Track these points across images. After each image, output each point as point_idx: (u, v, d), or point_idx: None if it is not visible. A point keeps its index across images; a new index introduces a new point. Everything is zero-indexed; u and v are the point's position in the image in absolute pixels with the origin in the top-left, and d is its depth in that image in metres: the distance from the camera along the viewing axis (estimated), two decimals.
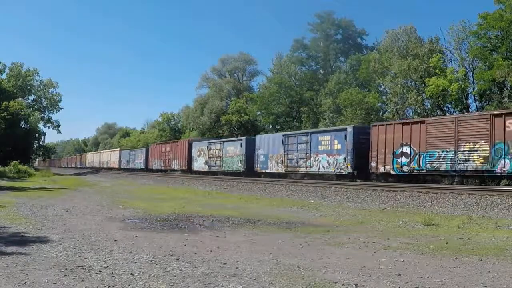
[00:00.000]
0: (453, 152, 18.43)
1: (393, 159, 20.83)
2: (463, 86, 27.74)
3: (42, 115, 57.20)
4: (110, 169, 62.40)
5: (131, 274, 5.18)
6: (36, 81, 56.08)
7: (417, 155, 19.85)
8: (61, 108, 58.35)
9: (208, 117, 53.20)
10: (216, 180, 28.62)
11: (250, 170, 30.74)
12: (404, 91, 30.19)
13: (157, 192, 22.32)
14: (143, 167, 50.43)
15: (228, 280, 5.00)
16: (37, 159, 71.23)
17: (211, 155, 35.75)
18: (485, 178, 18.19)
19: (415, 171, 20.04)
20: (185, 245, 7.25)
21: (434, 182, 19.61)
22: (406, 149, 20.29)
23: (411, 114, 30.44)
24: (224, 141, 35.57)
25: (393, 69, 30.99)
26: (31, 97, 57.10)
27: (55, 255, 6.17)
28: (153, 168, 46.74)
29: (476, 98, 28.85)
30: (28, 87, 55.13)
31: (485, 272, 5.55)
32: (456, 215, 12.37)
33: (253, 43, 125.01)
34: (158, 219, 10.86)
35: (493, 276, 5.33)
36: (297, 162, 26.35)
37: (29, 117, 50.75)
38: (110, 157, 65.87)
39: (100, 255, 6.21)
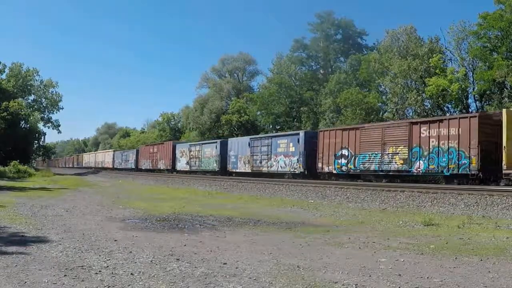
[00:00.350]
0: (380, 155, 21.28)
1: (334, 160, 23.69)
2: (463, 86, 27.74)
3: (42, 115, 57.24)
4: (105, 169, 64.76)
5: (131, 274, 5.18)
6: (36, 81, 56.18)
7: (353, 157, 22.62)
8: (61, 108, 58.46)
9: (208, 117, 53.22)
10: (216, 180, 28.66)
11: (223, 170, 33.64)
12: (404, 91, 30.19)
13: (157, 192, 22.33)
14: (134, 167, 53.40)
15: (228, 280, 5.00)
16: (36, 159, 71.31)
17: (192, 156, 38.97)
18: (403, 177, 20.81)
19: (351, 170, 22.73)
20: (185, 245, 7.25)
21: (367, 181, 21.88)
22: (345, 152, 23.08)
23: (411, 114, 30.45)
24: (202, 143, 38.79)
25: (393, 69, 30.99)
26: (31, 97, 57.21)
27: (55, 255, 6.17)
28: (143, 168, 49.64)
29: (476, 98, 28.86)
30: (28, 87, 55.14)
31: (485, 272, 5.55)
32: (456, 215, 12.37)
33: (253, 43, 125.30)
34: (158, 219, 10.86)
35: (493, 276, 5.33)
36: (261, 162, 29.50)
37: (29, 117, 50.75)
38: (104, 157, 68.85)
39: (100, 255, 6.21)
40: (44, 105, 57.61)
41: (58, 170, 69.67)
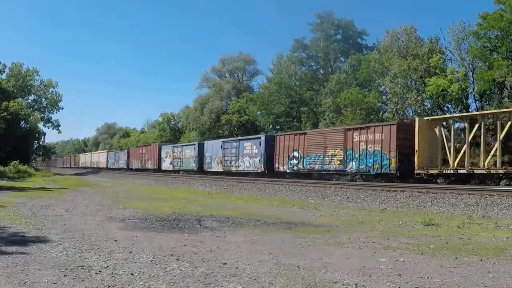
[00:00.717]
0: (322, 156, 24.52)
1: (288, 161, 27.06)
2: (463, 86, 27.72)
3: (42, 115, 57.20)
4: (100, 168, 68.21)
5: (131, 274, 5.18)
6: (36, 81, 56.11)
7: (302, 158, 25.91)
8: (61, 108, 58.38)
9: (208, 117, 53.21)
10: (216, 180, 28.70)
11: (200, 169, 37.24)
12: (404, 91, 30.17)
13: (157, 192, 22.33)
14: (125, 167, 56.75)
15: (228, 280, 5.00)
16: (36, 159, 71.44)
17: (175, 157, 42.53)
18: (340, 175, 24.33)
19: (300, 170, 26.12)
20: (185, 245, 7.25)
21: (311, 178, 25.10)
22: (296, 154, 26.50)
23: (411, 114, 30.43)
24: (183, 145, 42.77)
25: (393, 69, 30.97)
26: (31, 97, 57.13)
27: (55, 255, 6.17)
28: (133, 168, 53.12)
29: (476, 98, 28.84)
30: (28, 87, 55.09)
31: (485, 272, 5.55)
32: (456, 215, 12.37)
33: (253, 43, 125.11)
34: (158, 219, 10.86)
35: (493, 276, 5.33)
36: (230, 162, 32.91)
37: (29, 117, 50.72)
38: (99, 158, 72.61)
39: (100, 255, 6.21)
40: (44, 105, 57.56)
41: (57, 170, 69.79)
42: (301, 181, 23.73)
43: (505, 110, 19.18)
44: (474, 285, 4.95)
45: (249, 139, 32.28)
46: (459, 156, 18.78)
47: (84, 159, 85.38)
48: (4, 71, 51.46)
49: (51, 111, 57.89)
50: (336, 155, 23.63)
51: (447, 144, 19.40)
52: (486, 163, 17.66)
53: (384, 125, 21.87)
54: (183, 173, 39.65)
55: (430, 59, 28.97)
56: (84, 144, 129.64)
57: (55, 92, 57.38)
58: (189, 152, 39.72)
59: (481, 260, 6.32)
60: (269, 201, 17.67)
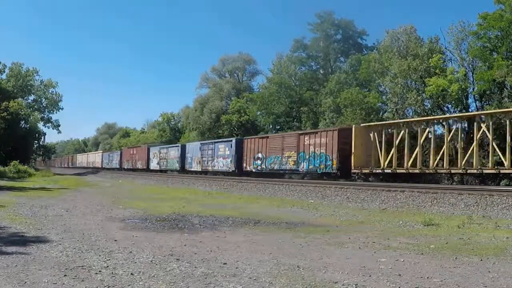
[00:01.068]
0: (280, 158, 27.77)
1: (253, 162, 30.37)
2: (463, 86, 27.72)
3: (42, 115, 57.19)
4: (95, 168, 71.73)
5: (131, 274, 5.18)
6: (36, 81, 56.08)
7: (265, 159, 29.27)
8: (61, 108, 58.37)
9: (208, 117, 53.20)
10: (216, 180, 28.73)
11: (183, 169, 40.45)
12: (404, 91, 30.16)
13: (157, 192, 22.33)
14: (118, 167, 59.94)
15: (228, 280, 5.00)
16: (36, 159, 71.54)
17: (161, 157, 46.00)
18: (294, 174, 27.18)
19: (263, 169, 29.42)
20: (185, 245, 7.25)
21: (273, 177, 27.62)
22: (260, 155, 29.78)
23: (411, 114, 30.41)
24: (168, 147, 46.26)
25: (393, 69, 30.97)
26: (31, 97, 57.10)
27: (55, 255, 6.17)
28: (125, 167, 56.34)
29: (476, 98, 28.84)
30: (28, 87, 55.06)
31: (485, 272, 5.55)
32: (456, 215, 12.38)
33: (253, 43, 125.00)
34: (158, 219, 10.86)
35: (493, 276, 5.33)
36: (207, 163, 36.41)
37: (29, 117, 50.72)
38: (95, 158, 76.68)
39: (100, 255, 6.21)
40: (44, 105, 57.54)
41: (56, 170, 69.89)
42: (301, 181, 23.79)
43: (419, 119, 23.30)
44: (474, 285, 4.95)
45: (223, 141, 35.94)
46: (388, 158, 21.78)
47: (81, 159, 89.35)
48: (4, 71, 51.51)
49: (51, 111, 57.93)
50: (291, 157, 26.84)
51: (379, 147, 22.32)
52: (408, 164, 20.91)
53: (328, 130, 25.24)
54: (170, 173, 42.61)
55: (430, 59, 28.96)
56: (84, 144, 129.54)
57: (55, 92, 57.44)
58: (173, 153, 43.09)
59: (481, 260, 6.32)
60: (269, 201, 17.68)
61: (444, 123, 21.49)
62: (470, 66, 28.85)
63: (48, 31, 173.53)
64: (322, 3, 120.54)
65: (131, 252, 6.53)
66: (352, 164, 22.67)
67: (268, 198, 19.01)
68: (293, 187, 21.46)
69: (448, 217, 12.06)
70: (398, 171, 21.20)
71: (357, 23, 57.29)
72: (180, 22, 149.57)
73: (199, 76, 74.49)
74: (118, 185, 29.61)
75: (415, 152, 20.71)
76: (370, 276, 5.30)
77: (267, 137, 30.52)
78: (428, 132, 21.14)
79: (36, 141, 55.64)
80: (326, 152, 24.14)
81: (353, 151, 22.76)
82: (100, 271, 5.30)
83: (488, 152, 18.96)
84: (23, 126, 49.12)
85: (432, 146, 20.51)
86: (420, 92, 29.52)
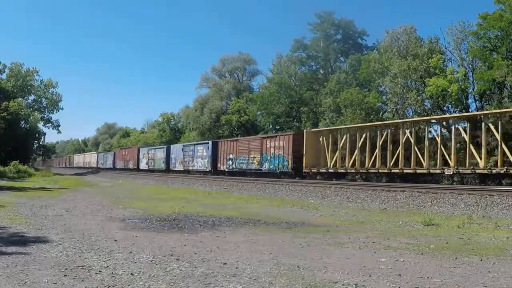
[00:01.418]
0: (247, 158, 31.26)
1: (226, 162, 33.95)
2: (462, 86, 27.71)
3: (42, 115, 57.14)
4: (91, 168, 75.34)
5: (131, 274, 5.18)
6: (36, 81, 56.00)
7: (235, 160, 32.75)
8: (61, 108, 58.25)
9: (208, 117, 53.17)
10: (216, 180, 28.76)
11: (168, 169, 44.05)
12: (404, 91, 30.15)
13: (157, 192, 22.34)
14: (112, 167, 63.45)
15: (228, 280, 5.00)
16: (37, 159, 71.59)
17: (149, 158, 49.80)
18: (258, 173, 29.96)
19: (234, 169, 32.88)
20: (185, 245, 7.25)
21: (241, 175, 30.65)
22: (231, 156, 33.39)
23: (411, 114, 30.41)
24: (155, 148, 50.49)
25: (393, 69, 30.95)
26: (31, 97, 57.02)
27: (55, 255, 6.17)
28: (118, 167, 59.95)
29: (476, 98, 28.83)
30: (28, 87, 54.99)
31: (485, 272, 5.55)
32: (456, 215, 12.38)
33: (253, 43, 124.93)
34: (158, 219, 10.86)
35: (493, 276, 5.33)
36: (188, 163, 40.04)
37: (29, 117, 50.66)
38: (91, 158, 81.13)
39: (100, 255, 6.21)
40: (44, 105, 57.49)
41: (55, 170, 70.00)
42: (301, 181, 23.80)
43: (358, 125, 26.29)
44: (474, 285, 4.95)
45: (201, 144, 39.64)
46: (333, 159, 24.99)
47: (78, 159, 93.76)
48: (4, 71, 51.43)
49: (51, 111, 57.86)
50: (256, 157, 30.32)
51: (326, 150, 25.50)
52: (349, 164, 24.07)
53: (285, 135, 28.96)
54: (157, 172, 45.55)
55: (430, 59, 28.96)
56: (84, 144, 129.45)
57: (55, 92, 57.35)
58: (160, 154, 46.81)
59: (481, 260, 6.32)
60: (269, 201, 17.68)
61: (377, 130, 23.74)
62: (470, 66, 28.84)
63: (48, 31, 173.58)
64: (322, 3, 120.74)
65: (131, 252, 6.53)
66: (304, 165, 25.92)
67: (268, 198, 19.02)
68: (293, 187, 21.46)
69: (448, 217, 12.06)
70: (339, 170, 24.50)
71: (357, 23, 57.33)
72: (180, 22, 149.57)
73: (199, 76, 74.59)
74: (118, 185, 29.62)
75: (354, 154, 23.90)
76: (370, 276, 5.31)
77: (237, 140, 34.14)
78: (365, 137, 23.67)
79: (36, 141, 55.59)
80: (283, 154, 27.65)
81: (304, 153, 26.10)
82: (100, 271, 5.30)
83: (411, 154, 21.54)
84: (23, 126, 49.07)
85: (367, 149, 23.29)
86: (420, 92, 29.52)
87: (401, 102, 30.19)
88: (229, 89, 56.43)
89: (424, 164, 20.53)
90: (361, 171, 23.27)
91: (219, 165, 34.82)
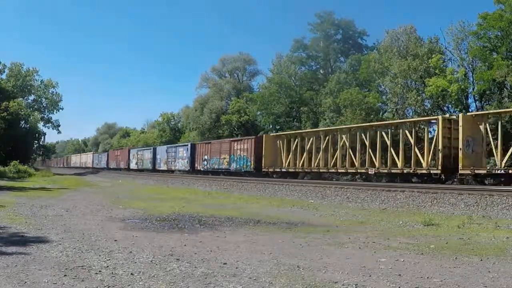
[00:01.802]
0: (219, 159, 34.74)
1: (201, 162, 37.70)
2: (462, 86, 27.71)
3: (42, 115, 57.16)
4: (87, 168, 78.98)
5: (131, 274, 5.18)
6: (36, 81, 56.06)
7: (209, 160, 36.42)
8: (61, 108, 58.39)
9: (208, 117, 53.18)
10: (216, 180, 28.75)
11: (154, 168, 47.42)
12: (404, 91, 30.17)
13: (157, 192, 22.33)
14: (105, 166, 67.04)
15: (228, 280, 5.00)
16: (36, 159, 71.60)
17: (138, 158, 53.27)
18: (226, 172, 33.72)
19: (208, 169, 36.47)
20: (185, 245, 7.24)
21: (214, 174, 34.59)
22: (206, 157, 37.12)
23: (411, 114, 30.42)
24: (144, 149, 54.02)
25: (393, 69, 30.98)
26: (31, 97, 57.08)
27: (55, 255, 6.17)
28: (111, 167, 63.54)
29: (476, 98, 28.84)
30: (28, 87, 55.04)
31: (485, 272, 5.55)
32: (456, 215, 12.37)
33: (253, 43, 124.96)
34: (158, 219, 10.85)
35: (493, 276, 5.33)
36: (171, 163, 43.74)
37: (29, 117, 50.67)
38: (87, 158, 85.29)
39: (100, 255, 6.21)
40: (44, 105, 57.53)
41: (54, 170, 69.93)
42: (301, 181, 23.82)
43: (308, 130, 30.63)
44: (474, 285, 4.95)
45: (182, 145, 43.47)
46: (288, 159, 28.27)
47: (75, 159, 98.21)
48: (4, 71, 51.45)
49: (51, 111, 57.93)
50: (225, 158, 33.74)
51: (282, 152, 28.88)
52: (299, 165, 27.23)
53: (249, 138, 32.39)
54: (145, 172, 48.32)
55: (430, 59, 28.96)
56: (84, 144, 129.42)
57: (55, 92, 57.42)
58: (147, 155, 50.37)
59: (481, 260, 6.32)
60: (269, 201, 17.68)
61: (317, 135, 26.92)
62: (470, 66, 28.87)
63: (48, 31, 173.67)
64: (322, 3, 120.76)
65: (131, 252, 6.53)
66: (263, 165, 29.51)
67: (268, 198, 19.01)
68: (293, 187, 21.46)
69: (448, 217, 12.06)
70: (290, 170, 27.90)
71: (357, 23, 57.27)
72: (180, 22, 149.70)
73: (199, 76, 74.68)
74: (118, 185, 29.62)
75: (303, 156, 27.05)
76: (370, 276, 5.30)
77: (211, 142, 37.74)
78: (312, 141, 26.60)
79: (36, 141, 55.62)
80: (247, 155, 31.09)
81: (263, 154, 29.65)
82: (100, 271, 5.30)
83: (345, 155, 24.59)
84: (23, 126, 49.09)
85: (313, 151, 26.42)
86: (420, 92, 29.53)
87: (401, 102, 30.20)
88: (229, 89, 56.45)
89: (357, 164, 23.54)
90: (306, 170, 26.76)
91: (196, 165, 38.49)
